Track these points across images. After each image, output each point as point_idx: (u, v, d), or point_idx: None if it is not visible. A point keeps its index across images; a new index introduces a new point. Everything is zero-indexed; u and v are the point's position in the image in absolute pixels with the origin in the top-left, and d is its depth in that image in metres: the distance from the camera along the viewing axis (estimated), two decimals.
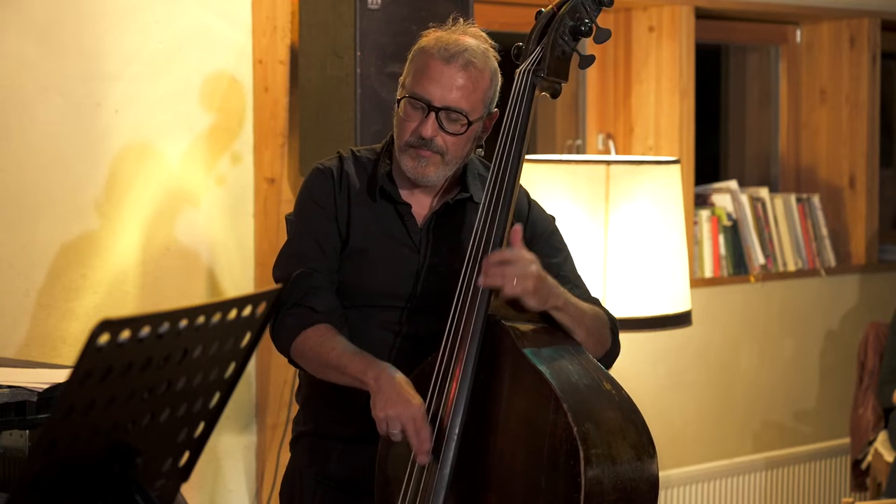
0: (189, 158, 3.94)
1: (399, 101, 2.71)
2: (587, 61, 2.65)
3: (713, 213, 5.22)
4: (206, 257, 3.99)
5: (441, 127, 2.68)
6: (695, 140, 5.05)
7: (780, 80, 5.75)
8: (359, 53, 3.75)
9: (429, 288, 2.75)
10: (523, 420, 2.49)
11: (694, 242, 5.09)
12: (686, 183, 4.83)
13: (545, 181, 4.11)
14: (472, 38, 2.72)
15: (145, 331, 1.81)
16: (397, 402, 2.52)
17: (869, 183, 5.59)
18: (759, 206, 5.37)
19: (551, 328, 2.60)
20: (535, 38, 2.68)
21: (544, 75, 2.65)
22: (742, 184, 5.44)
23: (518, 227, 2.57)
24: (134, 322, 1.79)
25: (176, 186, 3.92)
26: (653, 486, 2.48)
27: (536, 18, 2.70)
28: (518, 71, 2.68)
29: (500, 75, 2.75)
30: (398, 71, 2.85)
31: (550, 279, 2.57)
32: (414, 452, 2.52)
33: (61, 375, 2.75)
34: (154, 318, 1.82)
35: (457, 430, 2.52)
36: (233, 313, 1.97)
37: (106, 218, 3.80)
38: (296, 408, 2.94)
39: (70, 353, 3.65)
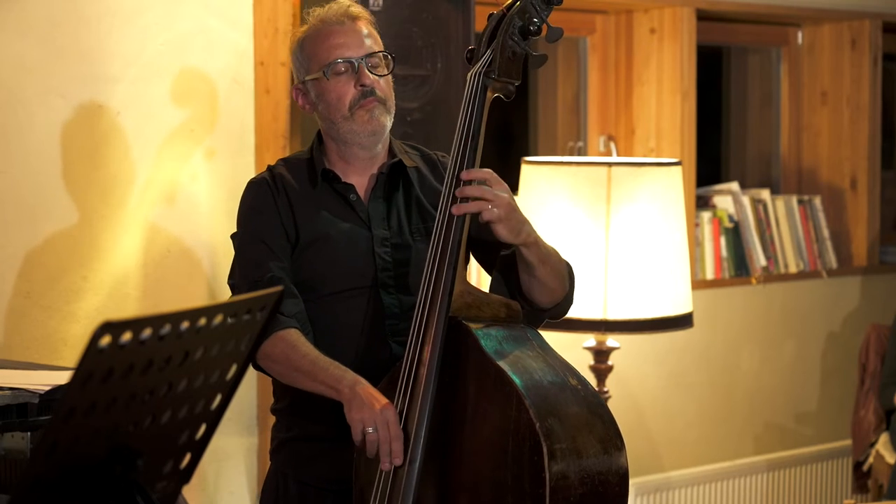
0: (190, 160, 3.94)
1: (325, 76, 2.79)
2: (538, 61, 2.66)
3: (714, 214, 5.22)
4: (208, 259, 3.99)
5: (372, 73, 2.80)
6: (696, 142, 5.05)
7: (781, 81, 5.75)
8: None
9: (386, 261, 2.79)
10: (488, 419, 2.50)
11: (695, 244, 5.09)
12: (687, 185, 4.82)
13: (546, 183, 4.11)
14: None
15: (147, 333, 1.81)
16: (373, 405, 2.55)
17: (870, 185, 5.59)
18: (761, 207, 5.36)
19: (515, 327, 2.61)
20: (485, 39, 2.69)
21: (495, 76, 2.65)
22: (743, 185, 5.44)
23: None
24: (135, 324, 1.79)
25: (177, 188, 3.92)
26: (622, 478, 2.49)
27: (488, 20, 2.70)
28: (469, 74, 2.68)
29: None
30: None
31: (522, 214, 2.62)
32: (382, 458, 2.54)
33: (63, 377, 2.75)
34: (155, 320, 1.82)
35: (423, 432, 2.53)
36: (234, 315, 1.98)
37: (107, 220, 3.80)
38: None
39: (71, 355, 3.65)
